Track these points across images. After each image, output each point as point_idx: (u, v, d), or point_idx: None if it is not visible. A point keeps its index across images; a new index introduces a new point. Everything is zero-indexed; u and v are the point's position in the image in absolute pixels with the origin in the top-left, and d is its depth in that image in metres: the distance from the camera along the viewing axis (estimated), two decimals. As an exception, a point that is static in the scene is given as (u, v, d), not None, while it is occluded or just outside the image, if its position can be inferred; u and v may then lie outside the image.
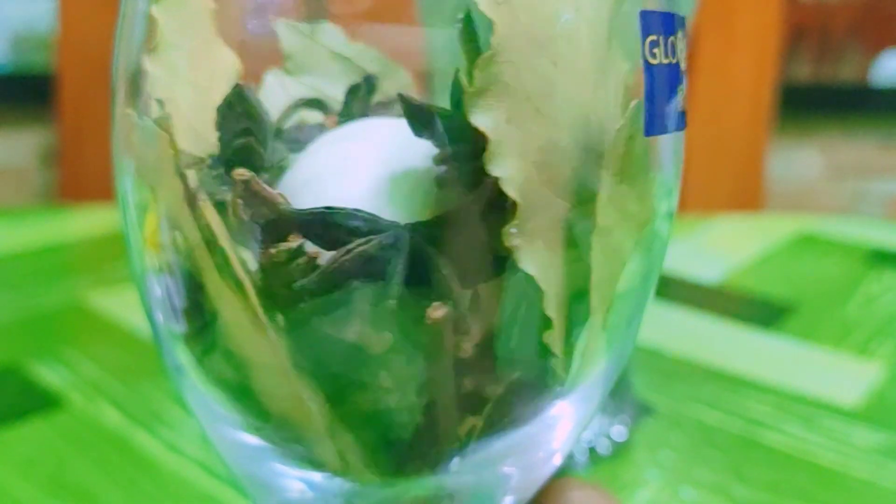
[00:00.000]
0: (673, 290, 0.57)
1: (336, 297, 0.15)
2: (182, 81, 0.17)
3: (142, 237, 0.17)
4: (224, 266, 0.15)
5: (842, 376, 0.44)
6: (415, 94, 0.18)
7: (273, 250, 0.15)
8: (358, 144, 0.17)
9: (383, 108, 0.18)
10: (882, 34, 1.73)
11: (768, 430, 0.38)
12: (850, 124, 1.65)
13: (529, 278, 0.15)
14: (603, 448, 0.36)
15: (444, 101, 0.16)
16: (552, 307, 0.16)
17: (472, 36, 0.15)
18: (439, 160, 0.16)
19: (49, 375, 0.42)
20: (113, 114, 0.17)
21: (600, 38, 0.16)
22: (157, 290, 0.17)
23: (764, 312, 0.52)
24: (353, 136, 0.18)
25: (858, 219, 0.73)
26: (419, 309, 0.15)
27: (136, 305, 0.18)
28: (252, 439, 0.17)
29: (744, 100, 1.31)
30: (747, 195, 1.31)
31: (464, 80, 0.14)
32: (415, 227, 0.15)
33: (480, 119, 0.14)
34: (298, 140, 0.18)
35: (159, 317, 0.18)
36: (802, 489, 0.34)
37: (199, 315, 0.16)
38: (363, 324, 0.15)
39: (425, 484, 0.17)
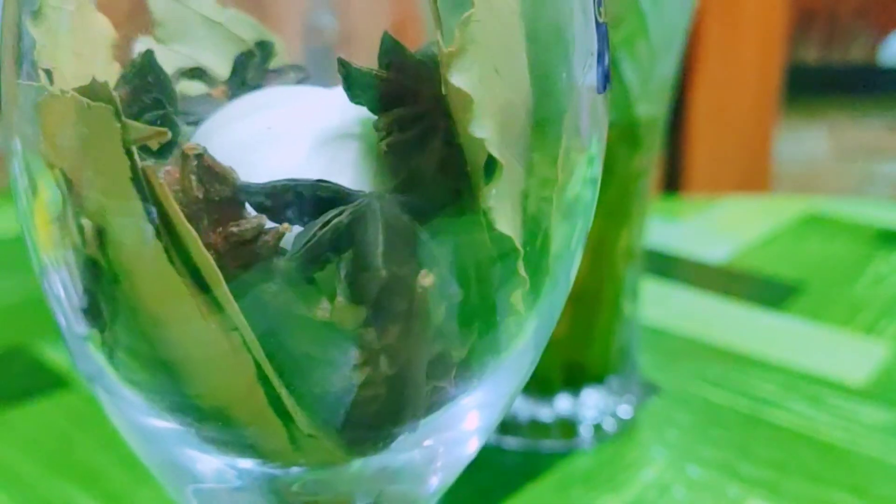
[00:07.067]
0: (680, 270, 0.56)
1: (309, 274, 0.14)
2: (64, 49, 0.15)
3: (36, 228, 0.16)
4: (176, 249, 0.14)
5: (849, 355, 0.44)
6: (290, 62, 0.17)
7: (235, 228, 0.14)
8: (283, 112, 0.16)
9: (277, 76, 0.17)
10: (890, 16, 1.72)
11: (775, 409, 0.38)
12: (858, 106, 1.64)
13: (505, 238, 0.15)
14: (609, 426, 0.36)
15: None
16: (523, 266, 0.16)
17: None
18: (383, 126, 0.15)
19: (55, 356, 0.42)
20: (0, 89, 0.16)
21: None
22: (58, 287, 0.16)
23: (771, 292, 0.52)
24: (273, 104, 0.16)
25: (866, 200, 0.72)
26: (401, 278, 0.14)
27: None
28: (170, 425, 0.16)
29: (751, 82, 1.30)
30: (755, 177, 1.31)
31: (440, 40, 0.14)
32: (382, 196, 0.14)
33: (460, 79, 0.14)
34: (189, 112, 0.16)
35: (62, 319, 0.16)
36: (809, 467, 0.34)
37: (107, 307, 0.15)
38: (341, 298, 0.14)
39: (369, 464, 0.17)
